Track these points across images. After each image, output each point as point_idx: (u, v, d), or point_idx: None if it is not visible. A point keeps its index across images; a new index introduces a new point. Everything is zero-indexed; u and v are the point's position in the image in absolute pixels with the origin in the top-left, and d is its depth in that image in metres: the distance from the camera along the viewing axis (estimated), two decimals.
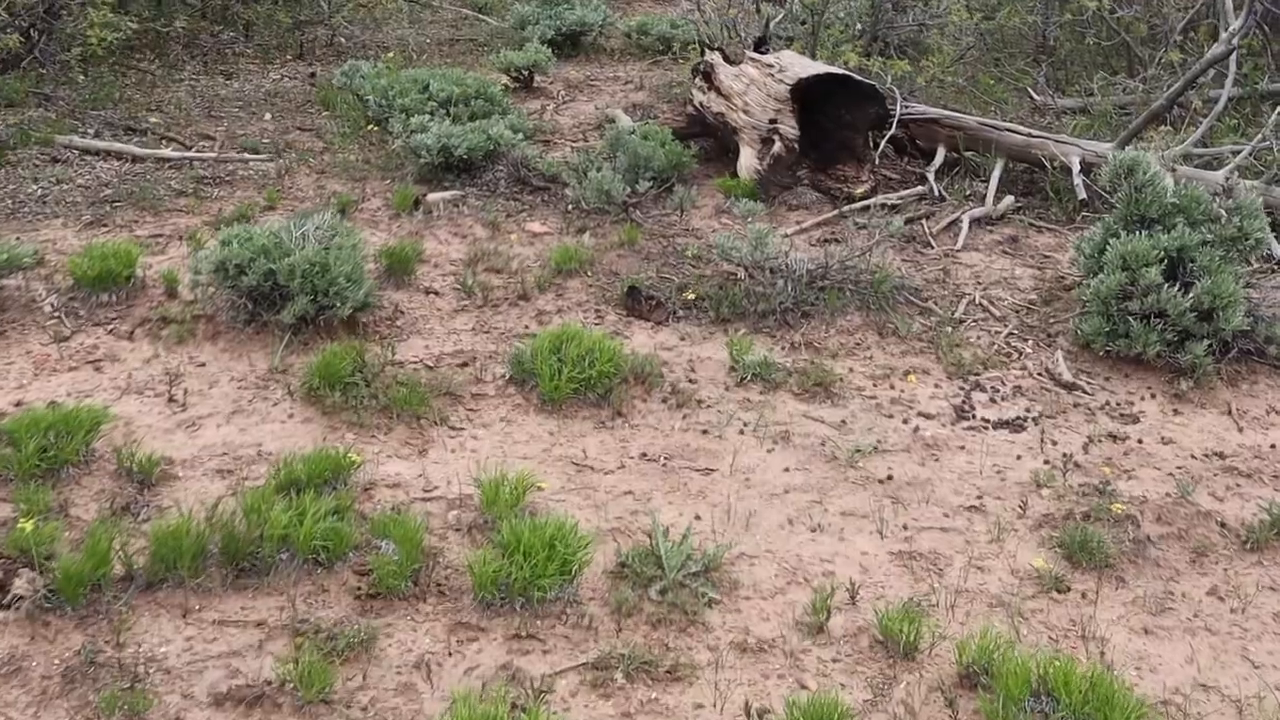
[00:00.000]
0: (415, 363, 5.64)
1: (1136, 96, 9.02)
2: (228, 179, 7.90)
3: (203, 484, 4.60)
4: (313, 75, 10.31)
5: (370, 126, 8.82)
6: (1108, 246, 5.92)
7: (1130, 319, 5.70)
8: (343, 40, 10.98)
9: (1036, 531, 4.54)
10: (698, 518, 4.53)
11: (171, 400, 5.25)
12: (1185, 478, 4.92)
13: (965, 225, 7.30)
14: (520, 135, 8.08)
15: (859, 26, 8.87)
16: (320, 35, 11.05)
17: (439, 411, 5.18)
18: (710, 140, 8.46)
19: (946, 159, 8.10)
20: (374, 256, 6.52)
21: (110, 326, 5.83)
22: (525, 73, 10.10)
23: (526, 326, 6.07)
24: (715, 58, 8.17)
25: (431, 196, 7.57)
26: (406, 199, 7.50)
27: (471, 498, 4.54)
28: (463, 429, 5.13)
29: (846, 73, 7.65)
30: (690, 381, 5.59)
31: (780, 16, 8.76)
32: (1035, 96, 9.65)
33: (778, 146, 7.59)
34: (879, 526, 4.53)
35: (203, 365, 5.56)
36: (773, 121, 7.63)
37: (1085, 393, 5.60)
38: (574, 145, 8.81)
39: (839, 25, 8.64)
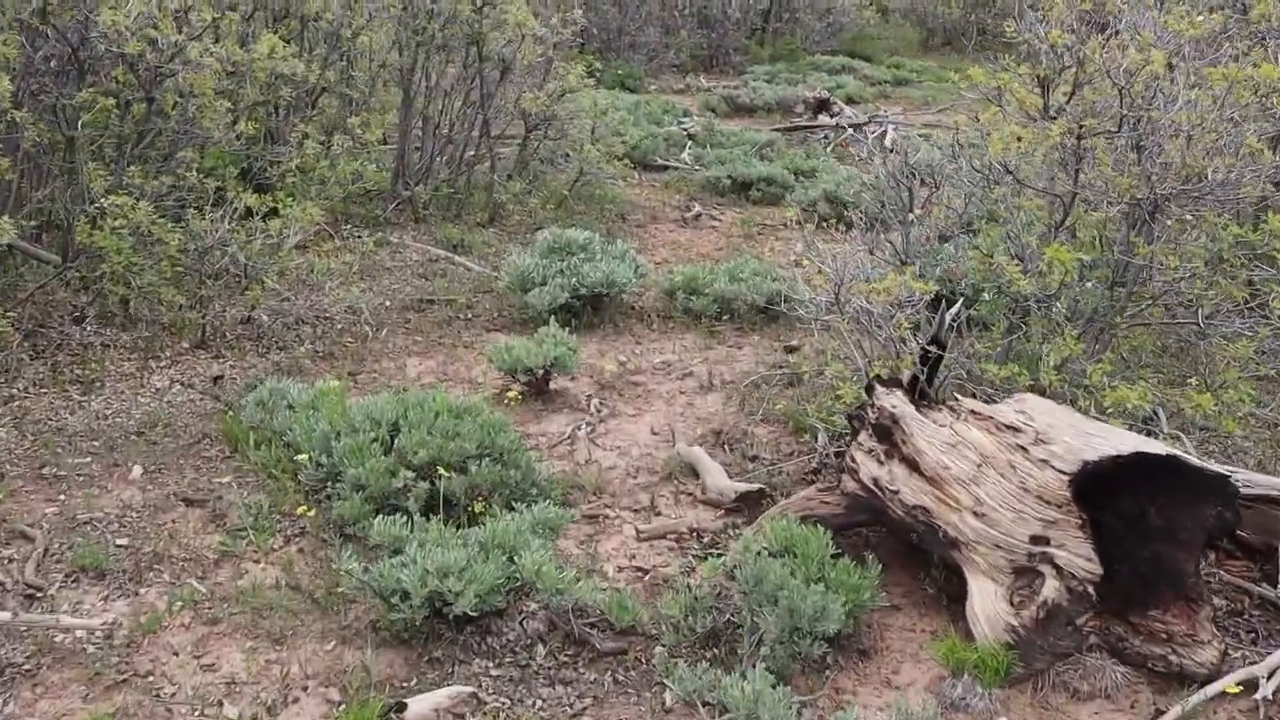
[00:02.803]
0: None
1: None
2: (29, 666, 4.18)
3: None
4: (218, 380, 6.69)
5: (303, 509, 5.16)
6: None
7: None
8: (264, 317, 7.38)
9: None
10: None
11: None
12: None
13: None
14: (566, 572, 4.48)
15: (1061, 313, 5.41)
16: (232, 311, 7.43)
17: None
18: (881, 529, 4.92)
19: None
20: None
21: None
22: (539, 373, 6.56)
23: None
24: (898, 403, 4.65)
25: (415, 708, 3.90)
26: (369, 716, 3.83)
27: None
28: None
29: (1172, 453, 4.16)
30: None
31: (956, 306, 5.33)
32: None
33: (1052, 588, 4.05)
34: None
35: None
36: (1039, 540, 4.10)
37: None
38: (646, 532, 5.20)
39: (1063, 323, 5.18)
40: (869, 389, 4.84)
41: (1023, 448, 4.24)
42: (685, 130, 14.57)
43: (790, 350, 7.39)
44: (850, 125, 15.27)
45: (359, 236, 9.02)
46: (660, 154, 13.38)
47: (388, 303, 8.21)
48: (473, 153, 10.55)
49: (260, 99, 8.07)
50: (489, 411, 5.54)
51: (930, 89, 19.37)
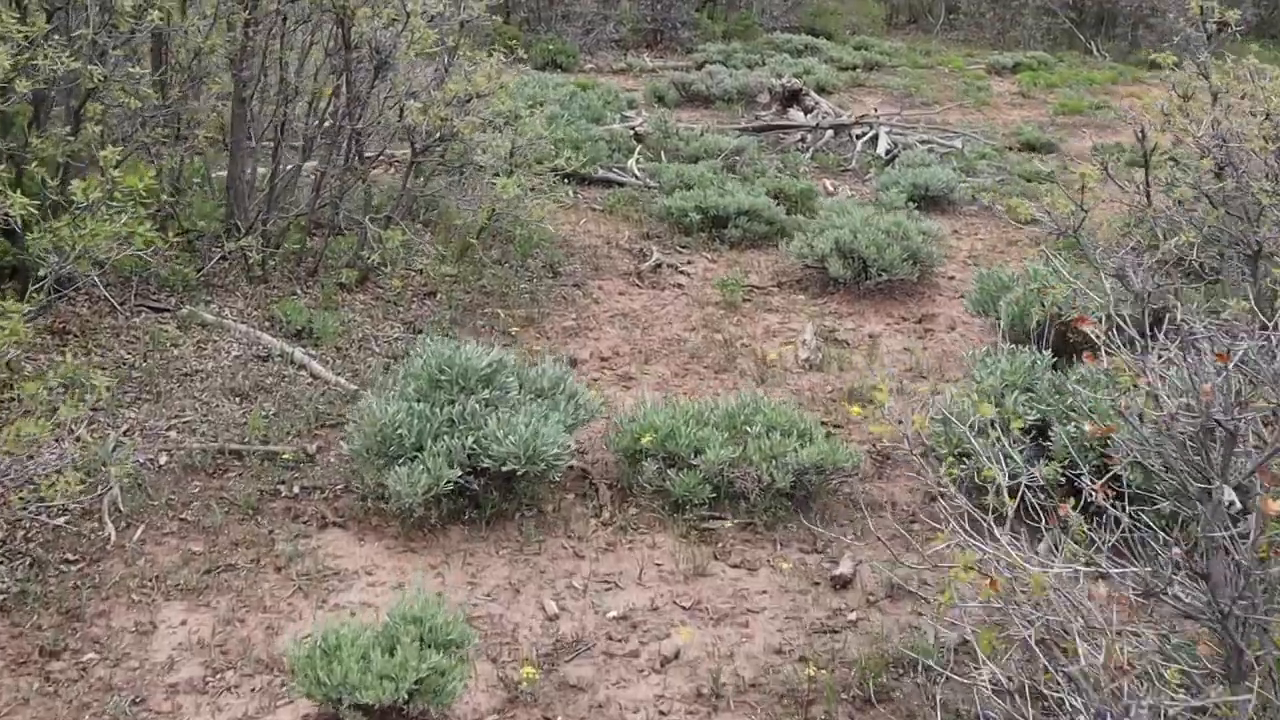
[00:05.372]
0: None
1: None
2: None
3: None
4: None
5: None
6: None
7: None
8: None
9: None
10: None
11: None
12: None
13: None
14: None
15: None
16: None
17: None
18: None
19: None
20: None
21: None
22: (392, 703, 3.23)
23: None
24: None
25: None
26: None
27: None
28: None
29: None
30: None
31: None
32: None
33: None
34: None
35: None
36: None
37: None
38: None
39: None
40: None
41: None
42: (632, 129, 11.16)
43: (841, 584, 4.13)
44: (832, 126, 11.97)
45: (164, 308, 5.57)
46: (602, 162, 9.98)
47: (165, 456, 4.79)
48: (336, 176, 7.05)
49: None
50: None
51: (910, 77, 16.13)
